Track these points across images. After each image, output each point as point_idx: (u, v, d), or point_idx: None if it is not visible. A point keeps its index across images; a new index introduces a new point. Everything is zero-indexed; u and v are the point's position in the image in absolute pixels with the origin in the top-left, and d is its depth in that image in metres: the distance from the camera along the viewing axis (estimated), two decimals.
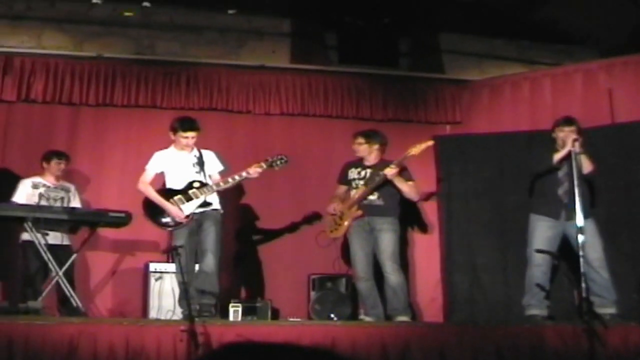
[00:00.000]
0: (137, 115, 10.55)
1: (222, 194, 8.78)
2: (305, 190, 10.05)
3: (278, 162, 8.88)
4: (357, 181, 9.14)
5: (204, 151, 8.85)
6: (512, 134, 10.36)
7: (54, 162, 9.44)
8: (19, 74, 10.18)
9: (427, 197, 10.42)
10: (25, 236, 8.96)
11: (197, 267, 8.68)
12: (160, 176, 8.88)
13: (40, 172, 9.47)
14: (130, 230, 9.59)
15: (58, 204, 9.28)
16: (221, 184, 8.68)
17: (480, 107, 11.17)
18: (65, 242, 9.27)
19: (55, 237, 9.09)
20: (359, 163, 9.23)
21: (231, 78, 10.70)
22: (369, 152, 9.13)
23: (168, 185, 8.81)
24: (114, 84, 10.40)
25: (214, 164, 8.89)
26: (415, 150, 8.90)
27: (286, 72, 10.90)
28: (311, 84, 10.89)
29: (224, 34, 11.03)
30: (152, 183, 8.83)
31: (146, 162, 10.07)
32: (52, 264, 8.67)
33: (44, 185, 9.36)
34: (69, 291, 8.67)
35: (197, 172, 8.71)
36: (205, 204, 8.63)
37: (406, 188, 9.03)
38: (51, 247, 8.81)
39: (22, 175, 9.55)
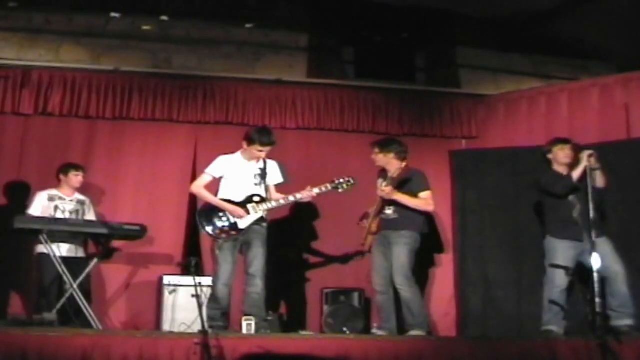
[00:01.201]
0: (153, 129, 10.56)
1: None
2: (321, 204, 10.00)
3: (344, 185, 8.88)
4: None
5: (268, 161, 8.85)
6: (528, 149, 10.27)
7: (72, 174, 9.47)
8: (36, 87, 10.23)
9: (441, 211, 10.37)
10: (41, 248, 8.99)
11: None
12: (214, 182, 8.84)
13: (56, 185, 9.50)
14: (145, 243, 9.69)
15: (73, 216, 9.32)
16: (281, 201, 8.73)
17: (496, 121, 11.16)
18: (80, 254, 9.32)
19: (69, 250, 9.14)
20: (384, 174, 9.11)
21: (247, 92, 10.71)
22: (386, 162, 9.00)
23: (223, 193, 8.75)
24: (131, 98, 10.43)
25: (275, 175, 8.89)
26: (394, 172, 8.88)
27: (303, 87, 10.91)
28: (327, 99, 10.90)
29: (241, 48, 11.05)
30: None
31: (160, 175, 10.26)
32: (67, 277, 8.70)
33: (60, 198, 9.39)
34: (83, 304, 8.71)
35: (256, 184, 8.73)
36: (260, 219, 8.68)
37: (410, 203, 8.86)
38: (66, 260, 8.85)
39: (38, 188, 9.56)
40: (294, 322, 10.08)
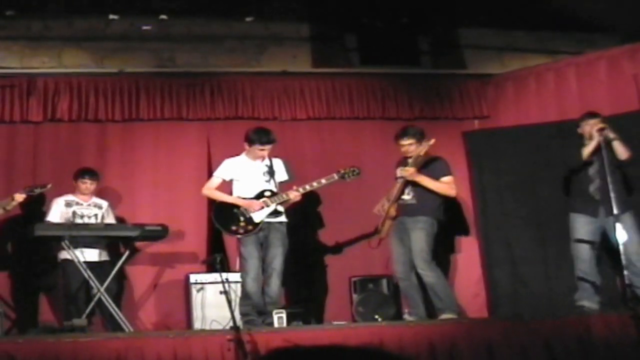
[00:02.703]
0: (163, 128, 10.51)
1: None
2: (338, 193, 9.97)
3: (350, 174, 9.00)
4: (399, 180, 9.08)
5: (274, 160, 8.92)
6: (540, 125, 10.33)
7: (80, 182, 9.43)
8: (43, 94, 10.17)
9: (460, 193, 10.29)
10: (64, 255, 8.95)
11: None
12: (225, 184, 8.95)
13: (72, 191, 9.46)
14: (168, 243, 9.67)
15: (92, 220, 9.29)
16: (291, 193, 8.74)
17: (506, 100, 11.13)
18: (104, 258, 9.28)
19: (93, 254, 9.10)
20: (404, 161, 9.08)
21: (255, 86, 10.67)
22: (420, 150, 8.89)
23: (237, 194, 8.85)
24: (139, 99, 10.38)
25: (280, 173, 8.96)
26: (419, 151, 8.82)
27: (310, 77, 10.87)
28: (335, 87, 10.86)
29: (244, 41, 10.98)
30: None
31: (176, 174, 10.23)
32: (93, 281, 8.69)
33: (77, 203, 9.36)
34: (112, 307, 8.67)
35: (266, 181, 8.82)
36: (276, 212, 8.71)
37: (432, 186, 8.87)
38: (90, 265, 8.83)
39: (53, 194, 9.49)
40: (322, 312, 10.14)
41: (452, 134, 10.47)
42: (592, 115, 8.87)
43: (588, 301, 8.60)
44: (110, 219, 9.49)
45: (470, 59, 11.40)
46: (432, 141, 8.81)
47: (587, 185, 8.72)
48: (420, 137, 8.96)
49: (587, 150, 8.57)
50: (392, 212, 9.01)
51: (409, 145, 8.98)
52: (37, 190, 9.01)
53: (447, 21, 11.36)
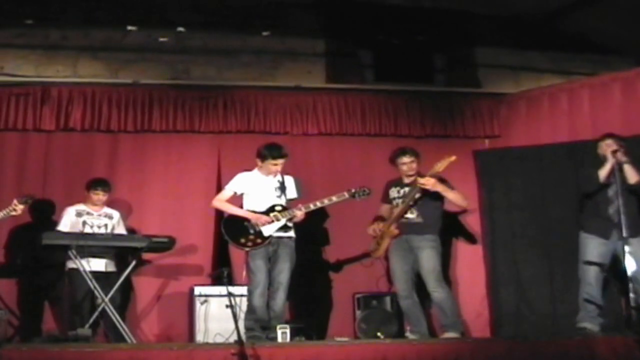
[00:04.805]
0: (175, 140, 10.53)
1: None
2: (347, 209, 9.95)
3: (361, 194, 9.07)
4: (397, 200, 9.20)
5: (286, 176, 8.99)
6: (552, 146, 10.32)
7: (92, 192, 9.45)
8: (56, 103, 10.22)
9: (469, 211, 10.36)
10: (71, 264, 8.96)
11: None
12: (236, 197, 8.99)
13: (84, 200, 9.50)
14: (174, 255, 9.69)
15: (102, 230, 9.31)
16: (302, 209, 8.81)
17: (518, 120, 11.10)
18: (110, 268, 9.28)
19: (100, 264, 9.13)
20: (398, 182, 9.26)
21: (267, 100, 10.68)
22: (440, 166, 8.99)
23: (247, 208, 8.89)
24: (152, 110, 10.41)
25: (290, 190, 9.02)
26: (440, 166, 8.87)
27: (322, 92, 10.87)
28: (348, 103, 10.86)
29: (259, 56, 10.99)
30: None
31: (186, 186, 10.26)
32: (98, 291, 8.70)
33: (88, 213, 9.39)
34: (115, 318, 8.70)
35: (277, 197, 8.87)
36: (285, 227, 8.76)
37: (452, 195, 9.10)
38: (96, 275, 8.85)
39: (64, 203, 9.57)
40: (324, 328, 10.11)
41: (462, 153, 10.41)
42: (608, 136, 8.86)
43: (590, 323, 8.57)
44: (121, 230, 9.51)
45: (484, 78, 11.39)
46: (454, 158, 8.92)
47: (605, 207, 8.66)
48: (416, 154, 9.18)
49: (602, 172, 8.55)
50: (394, 231, 9.05)
51: (410, 162, 9.11)
52: (30, 201, 8.99)
53: (463, 40, 11.35)
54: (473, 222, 10.56)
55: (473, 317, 10.28)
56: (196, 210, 10.16)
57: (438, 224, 9.12)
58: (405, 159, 9.14)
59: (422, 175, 9.00)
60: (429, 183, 8.85)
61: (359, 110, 10.87)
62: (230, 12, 10.89)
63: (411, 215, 9.05)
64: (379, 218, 9.31)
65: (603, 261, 8.64)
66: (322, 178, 10.44)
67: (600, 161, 8.66)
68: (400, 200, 9.14)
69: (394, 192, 9.27)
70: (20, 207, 8.75)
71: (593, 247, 8.71)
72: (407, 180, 9.19)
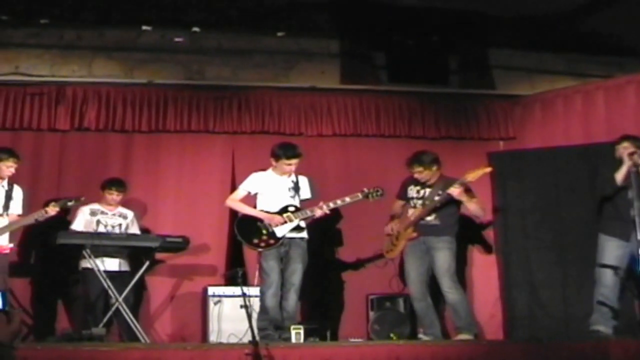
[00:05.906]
0: (190, 141, 10.53)
1: None
2: (360, 210, 9.95)
3: (374, 194, 9.09)
4: (415, 200, 9.19)
5: (300, 177, 9.02)
6: (566, 148, 10.29)
7: (106, 192, 9.51)
8: (71, 103, 10.24)
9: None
10: (85, 263, 9.01)
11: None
12: (249, 197, 9.01)
13: (98, 200, 9.53)
14: (188, 255, 9.72)
15: (116, 230, 9.34)
16: (324, 207, 8.83)
17: (532, 122, 11.08)
18: (124, 268, 9.32)
19: (114, 264, 9.17)
20: (419, 181, 9.22)
21: (282, 100, 10.70)
22: (432, 175, 9.11)
23: (261, 207, 8.91)
24: (166, 110, 10.42)
25: (304, 190, 9.05)
26: (473, 176, 8.92)
27: (337, 93, 10.88)
28: (362, 104, 10.86)
29: (273, 56, 10.99)
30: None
31: (200, 186, 10.27)
32: (112, 291, 8.74)
33: (102, 213, 9.43)
34: (129, 318, 8.72)
35: (291, 197, 8.90)
36: (298, 228, 8.78)
37: (473, 206, 9.15)
38: (110, 274, 8.88)
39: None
40: (337, 328, 10.13)
41: (477, 154, 10.41)
42: (625, 138, 8.80)
43: (603, 326, 8.52)
44: (135, 229, 9.55)
45: (499, 80, 11.36)
46: (489, 169, 9.13)
47: (626, 209, 8.56)
48: (431, 164, 9.14)
49: (619, 175, 8.51)
50: (412, 233, 9.06)
51: (419, 173, 9.13)
52: (70, 204, 9.05)
53: (478, 41, 11.33)
54: (486, 224, 10.54)
55: (486, 319, 10.26)
56: (210, 210, 10.17)
57: (455, 227, 9.15)
58: (416, 169, 9.16)
59: (448, 180, 9.03)
60: (456, 192, 8.88)
61: (374, 111, 10.87)
62: (244, 12, 10.84)
63: (429, 218, 9.08)
64: (394, 217, 9.34)
65: (620, 264, 8.59)
66: (336, 179, 10.45)
67: (618, 163, 8.61)
68: (419, 202, 9.15)
69: (412, 192, 9.26)
70: (55, 210, 8.77)
71: (612, 250, 8.65)
72: (428, 182, 9.19)
